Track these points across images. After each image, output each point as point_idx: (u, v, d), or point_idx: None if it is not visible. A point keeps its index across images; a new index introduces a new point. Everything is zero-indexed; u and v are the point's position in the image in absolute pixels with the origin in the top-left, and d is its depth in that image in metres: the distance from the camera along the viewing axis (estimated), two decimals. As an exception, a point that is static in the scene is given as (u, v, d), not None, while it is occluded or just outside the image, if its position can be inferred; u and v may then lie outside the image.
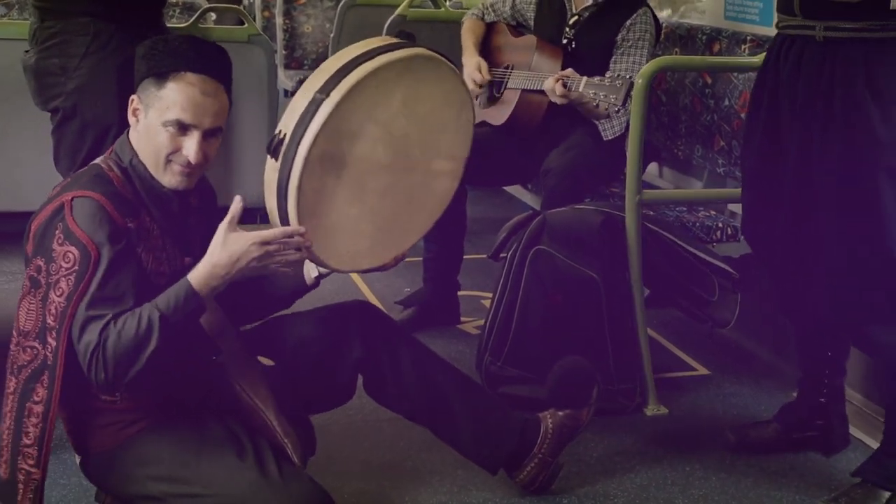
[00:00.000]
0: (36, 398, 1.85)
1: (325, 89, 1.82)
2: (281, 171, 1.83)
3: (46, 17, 2.63)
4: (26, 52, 2.80)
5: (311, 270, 2.10)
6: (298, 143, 1.81)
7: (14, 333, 1.88)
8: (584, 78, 2.80)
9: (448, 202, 2.17)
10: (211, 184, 2.14)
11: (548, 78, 2.92)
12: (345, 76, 1.83)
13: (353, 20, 5.40)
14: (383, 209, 2.02)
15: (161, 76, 1.86)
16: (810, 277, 2.25)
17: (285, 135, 1.82)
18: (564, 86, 2.83)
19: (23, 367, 1.86)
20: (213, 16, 5.67)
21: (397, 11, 4.50)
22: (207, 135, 1.88)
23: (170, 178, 1.91)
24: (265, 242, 1.82)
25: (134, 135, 1.93)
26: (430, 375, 2.22)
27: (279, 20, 6.37)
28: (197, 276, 1.83)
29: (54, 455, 2.38)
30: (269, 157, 1.85)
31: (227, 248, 1.82)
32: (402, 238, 2.11)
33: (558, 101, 2.88)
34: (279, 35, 6.36)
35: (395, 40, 1.95)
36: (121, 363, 1.79)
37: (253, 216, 2.03)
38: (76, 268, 1.80)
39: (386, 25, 4.45)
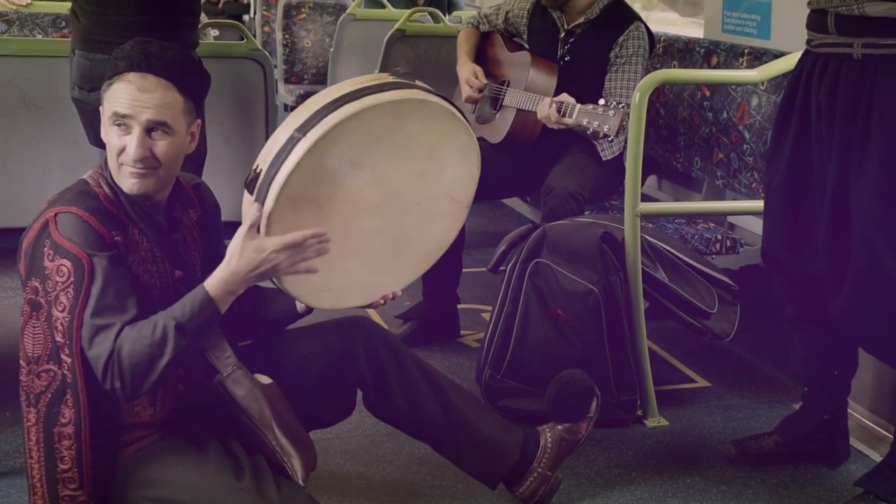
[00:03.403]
0: (63, 420, 1.83)
1: (304, 128, 1.78)
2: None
3: None
4: (80, 88, 2.83)
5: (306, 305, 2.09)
6: (271, 182, 1.78)
7: (23, 363, 1.86)
8: (578, 105, 2.81)
9: (449, 243, 2.12)
10: (216, 199, 2.14)
11: (543, 100, 2.93)
12: (326, 116, 1.78)
13: (352, 35, 5.43)
14: (373, 250, 1.98)
15: (110, 80, 1.89)
16: (839, 295, 2.23)
17: (261, 170, 1.81)
18: (559, 111, 2.84)
19: (41, 394, 1.84)
20: (216, 32, 5.69)
21: (396, 26, 4.52)
22: (150, 130, 1.87)
23: (125, 182, 1.89)
24: (285, 248, 1.81)
25: None
26: (430, 391, 2.21)
27: (279, 35, 6.40)
28: (214, 283, 1.82)
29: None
30: (245, 190, 1.84)
31: (244, 256, 1.80)
32: (394, 278, 2.07)
33: (553, 126, 2.89)
34: (279, 50, 6.39)
35: (389, 79, 1.90)
36: (137, 372, 1.78)
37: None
38: (72, 279, 1.80)
39: (385, 40, 4.47)
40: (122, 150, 1.87)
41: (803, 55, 2.28)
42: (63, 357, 1.82)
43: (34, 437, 1.85)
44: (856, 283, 2.18)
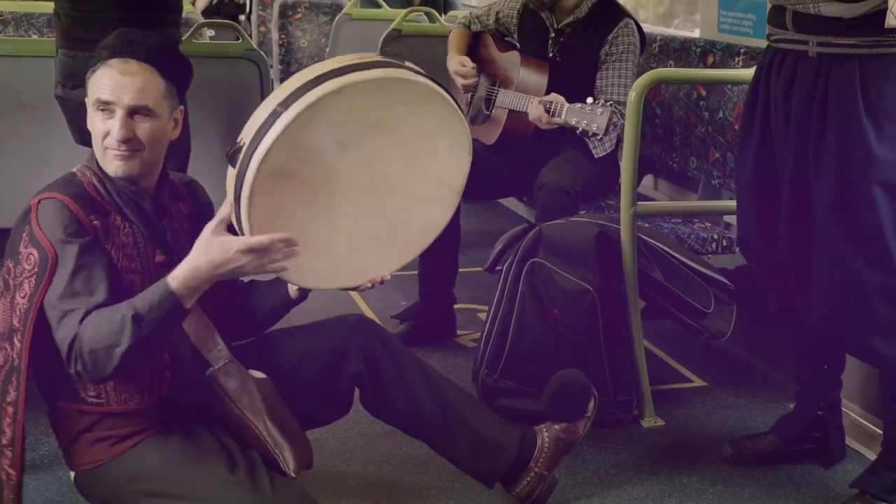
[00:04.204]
0: (9, 399, 1.89)
1: (286, 102, 1.78)
2: (236, 179, 1.81)
3: None
4: (63, 86, 2.84)
5: (292, 284, 2.10)
6: (252, 155, 1.78)
7: None
8: (567, 105, 2.81)
9: (440, 230, 2.10)
10: (209, 196, 2.14)
11: (533, 100, 2.93)
12: (308, 91, 1.78)
13: (348, 34, 5.42)
14: (358, 231, 1.97)
15: (94, 68, 1.92)
16: (810, 290, 2.25)
17: (244, 143, 1.81)
18: (547, 111, 2.85)
19: (1, 367, 1.90)
20: (212, 32, 5.68)
21: (392, 26, 4.51)
22: (133, 113, 1.89)
23: (110, 165, 1.92)
24: (251, 250, 1.80)
25: None
26: (427, 389, 2.21)
27: (275, 35, 6.40)
28: (177, 277, 1.82)
29: (49, 472, 2.39)
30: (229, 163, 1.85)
31: (210, 252, 1.81)
32: (382, 262, 2.05)
33: (544, 126, 2.90)
34: (275, 50, 6.38)
35: (377, 58, 1.90)
36: (96, 357, 1.79)
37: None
38: (36, 269, 1.84)
39: (381, 39, 4.47)
40: (106, 134, 1.90)
41: (765, 51, 2.31)
42: (15, 341, 1.86)
43: None
44: (822, 284, 2.20)
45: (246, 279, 2.00)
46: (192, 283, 1.82)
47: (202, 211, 2.10)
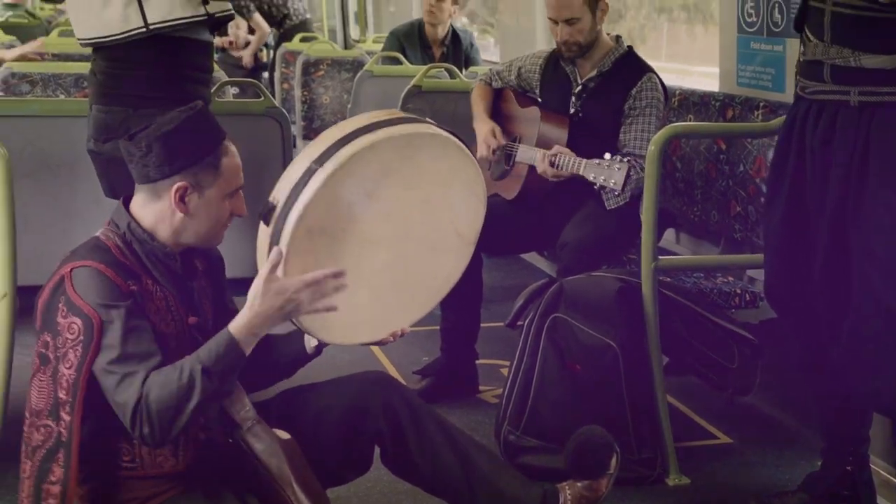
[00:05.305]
0: (52, 478, 1.84)
1: (321, 160, 1.81)
2: (271, 238, 1.84)
3: (141, 104, 2.71)
4: (96, 140, 2.88)
5: (310, 339, 2.11)
6: (288, 213, 1.81)
7: (27, 414, 1.87)
8: (584, 161, 2.84)
9: (454, 281, 2.13)
10: (219, 251, 2.16)
11: (544, 156, 2.98)
12: (341, 148, 1.82)
13: (369, 91, 5.48)
14: (382, 285, 1.99)
15: (215, 154, 1.94)
16: (837, 339, 2.23)
17: (278, 202, 1.84)
18: (552, 165, 2.88)
19: (37, 447, 1.85)
20: (236, 90, 5.76)
21: (413, 82, 4.56)
22: None
23: (217, 239, 2.01)
24: (306, 287, 1.83)
25: (172, 218, 1.93)
26: (449, 447, 2.19)
27: (297, 92, 6.48)
28: (238, 326, 1.84)
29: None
30: (261, 221, 1.87)
31: (268, 298, 1.82)
32: (402, 315, 2.08)
33: (552, 179, 2.93)
34: (297, 107, 6.46)
35: (401, 114, 1.94)
36: (165, 417, 1.79)
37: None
38: (81, 338, 1.82)
39: (402, 96, 4.51)
40: (230, 215, 1.98)
41: (796, 101, 2.32)
42: (62, 414, 1.83)
43: (26, 490, 1.87)
44: (858, 327, 2.19)
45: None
46: (254, 331, 1.85)
47: (215, 266, 2.12)
